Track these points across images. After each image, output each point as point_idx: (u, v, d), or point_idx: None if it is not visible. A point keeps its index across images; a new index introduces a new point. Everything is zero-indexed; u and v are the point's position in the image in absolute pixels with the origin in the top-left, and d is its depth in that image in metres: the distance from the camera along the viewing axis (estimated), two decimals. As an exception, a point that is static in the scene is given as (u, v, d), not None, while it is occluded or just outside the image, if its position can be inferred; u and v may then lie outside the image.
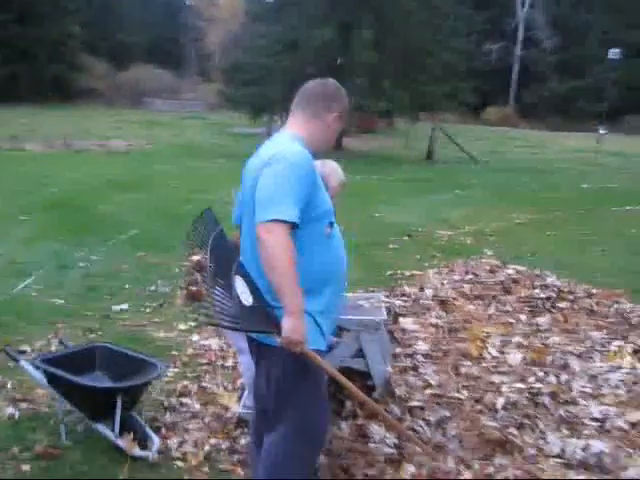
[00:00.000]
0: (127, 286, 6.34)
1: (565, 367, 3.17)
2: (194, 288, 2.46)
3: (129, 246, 8.04)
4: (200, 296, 2.46)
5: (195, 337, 4.98)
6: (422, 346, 3.35)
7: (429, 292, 3.84)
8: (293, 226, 2.43)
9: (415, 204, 12.17)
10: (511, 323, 3.52)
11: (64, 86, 53.72)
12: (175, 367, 4.49)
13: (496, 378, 3.08)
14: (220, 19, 58.96)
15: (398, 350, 3.36)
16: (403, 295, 3.89)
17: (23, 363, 3.61)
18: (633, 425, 2.82)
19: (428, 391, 3.10)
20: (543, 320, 3.61)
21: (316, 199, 2.55)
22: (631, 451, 2.68)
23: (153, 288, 6.28)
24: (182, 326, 5.24)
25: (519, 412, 2.92)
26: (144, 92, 52.94)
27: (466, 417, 2.94)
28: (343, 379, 2.79)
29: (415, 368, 3.25)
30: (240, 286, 2.39)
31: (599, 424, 2.83)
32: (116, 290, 6.19)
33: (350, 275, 2.93)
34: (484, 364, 3.17)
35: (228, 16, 59.26)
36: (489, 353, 3.23)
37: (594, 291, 4.13)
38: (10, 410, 3.73)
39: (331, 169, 3.46)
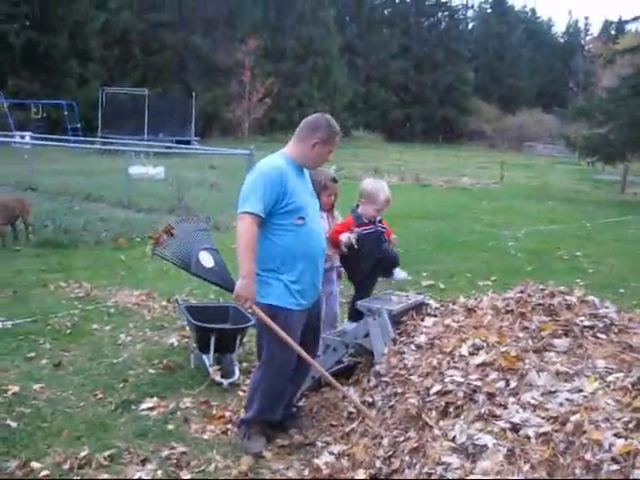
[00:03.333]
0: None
1: (522, 377, 3.39)
2: (155, 236, 3.70)
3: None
4: (159, 243, 3.67)
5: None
6: (420, 339, 3.86)
7: (470, 302, 4.24)
8: (259, 218, 3.41)
9: None
10: (519, 337, 3.77)
11: (453, 127, 57.51)
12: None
13: (449, 371, 3.48)
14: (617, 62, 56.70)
15: (403, 338, 3.95)
16: (454, 303, 4.36)
17: (179, 307, 5.14)
18: (539, 435, 3.02)
19: (397, 371, 3.67)
20: (560, 342, 3.75)
21: (285, 199, 3.49)
22: (504, 450, 2.93)
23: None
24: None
25: (449, 400, 3.32)
26: (527, 136, 53.75)
27: (406, 395, 3.46)
28: (289, 340, 3.55)
29: (402, 353, 3.80)
30: (203, 255, 3.59)
31: (510, 427, 3.09)
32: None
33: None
34: (448, 359, 3.58)
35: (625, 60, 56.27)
36: (459, 352, 3.61)
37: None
38: (173, 340, 5.31)
39: (380, 186, 4.30)
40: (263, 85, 34.60)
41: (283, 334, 3.49)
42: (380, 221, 4.37)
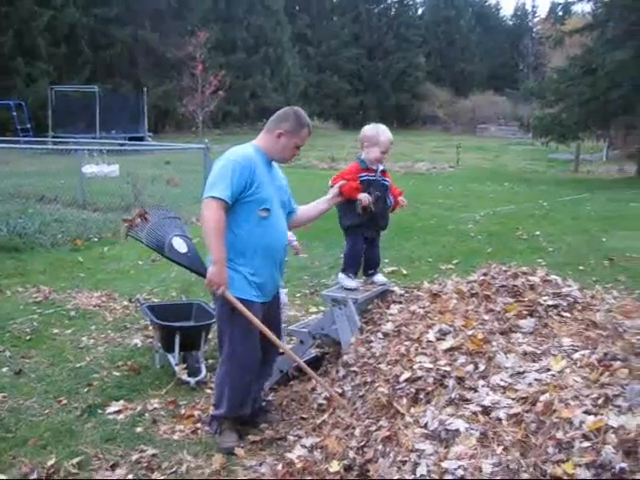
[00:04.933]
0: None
1: (490, 360, 3.42)
2: (129, 219, 3.79)
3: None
4: (133, 226, 3.74)
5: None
6: (387, 326, 3.86)
7: (435, 287, 4.25)
8: (225, 203, 3.35)
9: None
10: (485, 319, 3.79)
11: (406, 113, 57.82)
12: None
13: (418, 358, 3.49)
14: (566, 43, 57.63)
15: (370, 327, 3.94)
16: (419, 289, 4.37)
17: (141, 307, 5.05)
18: (510, 417, 3.04)
19: (366, 360, 3.67)
20: (526, 322, 3.78)
21: (251, 188, 3.44)
22: (477, 434, 2.94)
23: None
24: (313, 309, 6.21)
25: (418, 387, 3.33)
26: (480, 119, 54.35)
27: (376, 384, 3.46)
28: (265, 329, 3.54)
29: (369, 342, 3.80)
30: (177, 240, 3.57)
31: (481, 410, 3.10)
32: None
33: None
34: (416, 345, 3.59)
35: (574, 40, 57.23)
36: (427, 338, 3.62)
37: (628, 305, 4.04)
38: (136, 341, 5.22)
39: (380, 129, 4.09)
40: (215, 78, 34.09)
41: (255, 320, 3.46)
42: (383, 172, 4.15)
